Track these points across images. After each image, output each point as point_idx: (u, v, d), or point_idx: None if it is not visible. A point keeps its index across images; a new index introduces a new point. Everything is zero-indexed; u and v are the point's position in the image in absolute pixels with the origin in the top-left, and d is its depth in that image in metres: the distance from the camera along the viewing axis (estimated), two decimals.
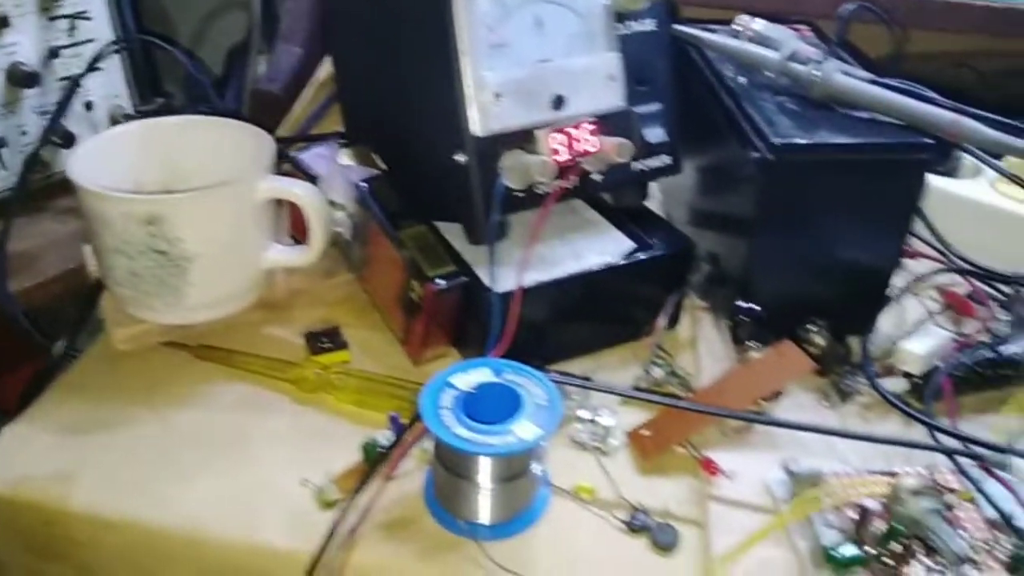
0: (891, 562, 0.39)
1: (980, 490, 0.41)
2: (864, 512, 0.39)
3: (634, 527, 0.44)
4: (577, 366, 0.55)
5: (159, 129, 0.58)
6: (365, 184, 0.56)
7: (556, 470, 0.48)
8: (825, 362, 0.53)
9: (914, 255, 0.64)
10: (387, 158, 0.59)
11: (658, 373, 0.53)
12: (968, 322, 0.58)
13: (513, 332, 0.49)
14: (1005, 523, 0.40)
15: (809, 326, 0.54)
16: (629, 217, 0.58)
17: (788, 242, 0.52)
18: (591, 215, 0.59)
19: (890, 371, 0.52)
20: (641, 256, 0.54)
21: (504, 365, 0.46)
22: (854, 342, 0.55)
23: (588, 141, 0.52)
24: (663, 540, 0.44)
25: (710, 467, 0.47)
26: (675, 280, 0.56)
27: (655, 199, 0.69)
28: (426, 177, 0.54)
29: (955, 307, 0.59)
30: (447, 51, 0.48)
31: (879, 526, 0.39)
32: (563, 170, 0.51)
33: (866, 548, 0.39)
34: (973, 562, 0.39)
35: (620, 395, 0.51)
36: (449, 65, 0.48)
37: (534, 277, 0.51)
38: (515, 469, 0.44)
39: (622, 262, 0.54)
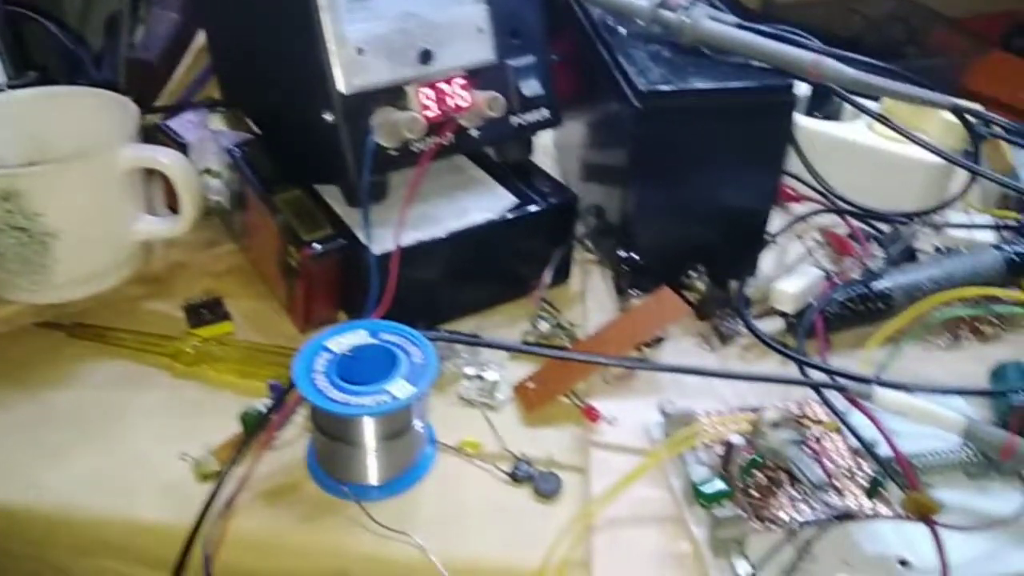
0: (756, 494, 0.40)
1: (843, 421, 0.42)
2: (729, 447, 0.40)
3: (518, 478, 0.45)
4: (467, 325, 0.55)
5: (20, 103, 0.55)
6: (238, 149, 0.54)
7: (444, 427, 0.48)
8: (705, 307, 0.54)
9: (797, 198, 0.66)
10: (260, 121, 0.57)
11: (544, 327, 0.54)
12: (848, 262, 0.59)
13: (393, 293, 0.48)
14: (866, 451, 0.41)
15: (691, 272, 0.55)
16: (515, 173, 0.58)
17: (663, 190, 0.53)
18: (476, 172, 0.58)
19: (769, 312, 0.54)
20: (524, 211, 0.54)
21: (381, 326, 0.46)
22: (736, 286, 0.56)
23: (460, 96, 0.51)
24: (545, 488, 0.44)
25: (591, 414, 0.47)
26: (560, 234, 0.56)
27: (551, 155, 0.70)
28: (298, 139, 0.53)
29: (835, 247, 0.61)
30: (306, 7, 0.47)
31: (744, 460, 0.40)
32: (437, 126, 0.51)
33: (733, 482, 0.40)
34: (834, 488, 0.40)
35: (502, 348, 0.51)
36: (309, 22, 0.47)
37: (415, 236, 0.51)
38: (395, 428, 0.44)
39: (504, 217, 0.53)
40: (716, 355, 0.53)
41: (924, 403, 0.40)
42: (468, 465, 0.46)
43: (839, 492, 0.40)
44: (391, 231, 0.50)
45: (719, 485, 0.39)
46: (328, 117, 0.48)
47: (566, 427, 0.48)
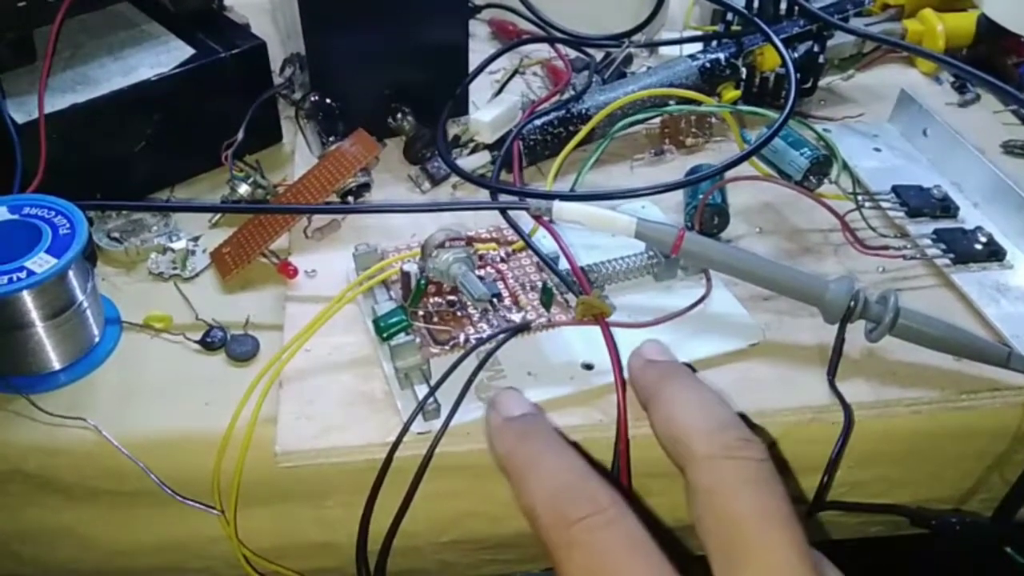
0: (437, 319, 0.39)
1: (525, 239, 0.42)
2: (405, 276, 0.39)
3: (210, 345, 0.42)
4: (163, 197, 0.50)
5: None
6: None
7: (134, 306, 0.44)
8: (412, 148, 0.52)
9: (516, 32, 0.64)
10: None
11: (244, 189, 0.50)
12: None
13: (45, 164, 0.43)
14: (545, 264, 0.41)
15: (397, 113, 0.52)
16: (197, 24, 0.52)
17: (343, 29, 0.49)
18: (150, 26, 0.52)
19: (478, 148, 0.52)
20: (199, 63, 0.49)
21: (24, 200, 0.40)
22: (452, 126, 0.55)
23: None
24: (239, 351, 0.42)
25: (287, 270, 0.45)
26: (250, 87, 0.52)
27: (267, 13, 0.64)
28: None
29: (552, 79, 0.60)
30: None
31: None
32: None
33: (411, 311, 0.39)
34: (515, 303, 0.40)
35: (170, 209, 0.48)
36: None
37: (71, 99, 0.45)
38: (54, 307, 0.39)
39: (177, 71, 0.48)
40: (427, 196, 0.51)
41: (597, 210, 0.39)
42: (156, 340, 0.43)
43: (519, 306, 0.40)
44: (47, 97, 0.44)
45: (397, 316, 0.38)
46: None
47: (267, 289, 0.45)
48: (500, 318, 0.39)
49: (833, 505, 0.38)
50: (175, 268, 0.46)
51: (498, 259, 0.42)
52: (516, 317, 0.39)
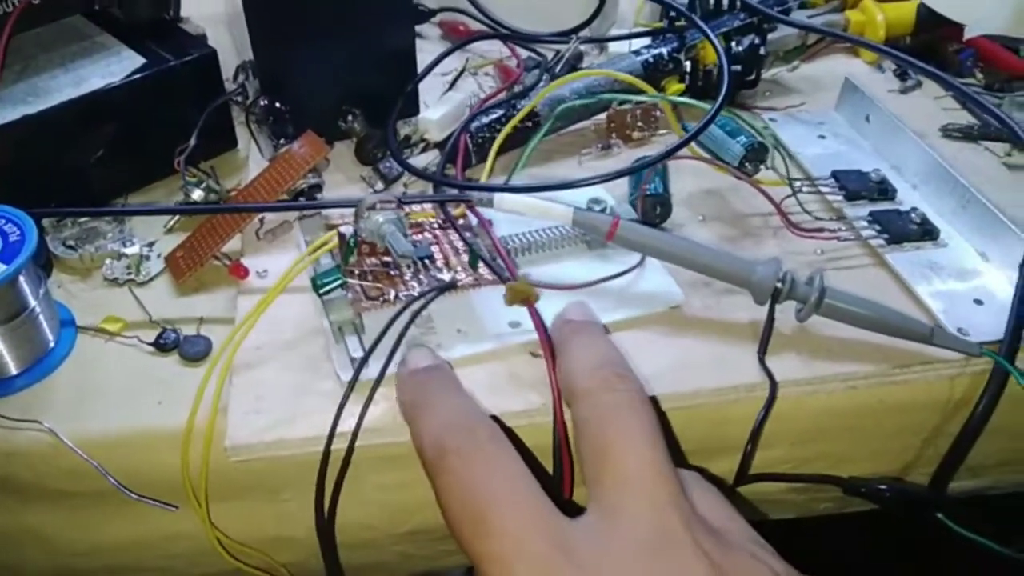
0: (371, 277, 0.41)
1: (455, 227, 0.44)
2: (341, 237, 0.41)
3: (163, 346, 0.43)
4: (121, 203, 0.51)
5: None
6: None
7: (89, 312, 0.45)
8: (363, 149, 0.53)
9: (467, 32, 0.65)
10: None
11: (197, 194, 0.50)
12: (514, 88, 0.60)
13: None
14: (470, 250, 0.43)
15: (348, 116, 0.53)
16: (150, 34, 0.53)
17: (293, 38, 0.50)
18: (103, 38, 0.53)
19: (429, 146, 0.53)
20: (149, 72, 0.50)
21: None
22: (403, 126, 0.56)
23: None
24: (191, 351, 0.43)
25: (239, 271, 0.46)
26: (202, 95, 0.53)
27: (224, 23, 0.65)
28: None
29: (503, 77, 0.61)
30: None
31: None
32: None
33: (345, 269, 0.41)
34: (446, 264, 0.42)
35: (122, 214, 0.49)
36: None
37: (22, 111, 0.46)
38: (5, 314, 0.40)
39: (127, 81, 0.49)
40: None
41: (536, 201, 0.41)
42: (111, 344, 0.44)
43: (449, 267, 0.42)
44: None
45: (333, 274, 0.40)
46: None
47: (220, 291, 0.46)
48: (431, 278, 0.41)
49: (759, 477, 0.39)
50: (130, 273, 0.47)
51: (435, 226, 0.44)
52: (446, 277, 0.41)
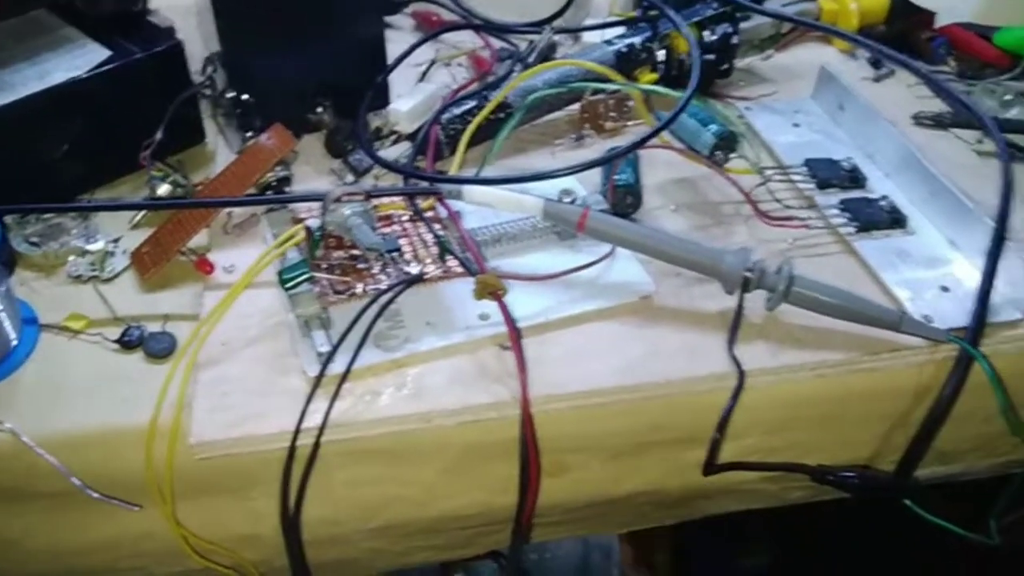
0: (339, 271, 0.41)
1: (424, 220, 0.44)
2: (308, 231, 0.40)
3: (127, 343, 0.42)
4: (86, 200, 0.50)
5: None
6: None
7: (53, 309, 0.44)
8: (333, 141, 0.52)
9: (439, 22, 0.65)
10: None
11: (164, 188, 0.50)
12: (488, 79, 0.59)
13: None
14: (439, 244, 0.43)
15: (317, 108, 0.53)
16: (115, 27, 0.53)
17: (261, 31, 0.50)
18: (67, 31, 0.52)
19: (400, 138, 0.53)
20: (113, 64, 0.49)
21: None
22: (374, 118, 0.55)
23: None
24: (156, 348, 0.42)
25: (204, 266, 0.45)
26: (169, 88, 0.52)
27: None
28: None
29: (476, 68, 0.61)
30: None
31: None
32: None
33: (312, 263, 0.40)
34: (416, 258, 0.42)
35: (85, 209, 0.48)
36: None
37: None
38: None
39: (88, 73, 0.48)
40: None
41: (506, 193, 0.41)
42: (74, 341, 0.43)
43: (417, 260, 0.42)
44: None
45: (299, 268, 0.40)
46: None
47: (186, 287, 0.46)
48: (399, 271, 0.41)
49: (729, 466, 0.39)
50: (94, 270, 0.46)
51: (405, 218, 0.44)
52: (415, 270, 0.41)
